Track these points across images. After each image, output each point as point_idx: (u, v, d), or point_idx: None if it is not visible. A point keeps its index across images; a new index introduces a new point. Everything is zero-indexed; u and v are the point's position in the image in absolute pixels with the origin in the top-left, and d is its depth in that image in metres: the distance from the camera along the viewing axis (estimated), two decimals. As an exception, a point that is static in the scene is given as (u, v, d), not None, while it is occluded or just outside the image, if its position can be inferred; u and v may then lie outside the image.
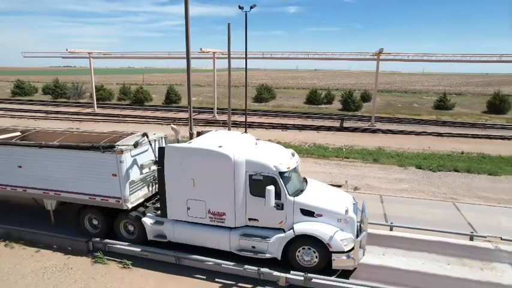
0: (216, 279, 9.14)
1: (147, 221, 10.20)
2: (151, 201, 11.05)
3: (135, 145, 10.21)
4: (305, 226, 9.02)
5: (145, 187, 10.88)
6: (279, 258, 9.25)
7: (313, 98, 52.12)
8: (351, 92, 49.67)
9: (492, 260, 9.78)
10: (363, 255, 9.27)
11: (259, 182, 9.03)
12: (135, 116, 39.00)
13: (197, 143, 9.87)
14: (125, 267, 9.63)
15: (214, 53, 38.04)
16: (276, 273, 8.87)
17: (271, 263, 9.24)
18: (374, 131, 32.33)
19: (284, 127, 32.99)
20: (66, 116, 39.99)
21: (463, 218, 12.79)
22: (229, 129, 24.18)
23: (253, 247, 9.38)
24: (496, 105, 46.88)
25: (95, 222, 10.86)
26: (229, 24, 22.51)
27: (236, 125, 31.90)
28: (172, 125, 11.77)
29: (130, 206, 10.16)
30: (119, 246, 10.26)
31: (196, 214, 9.62)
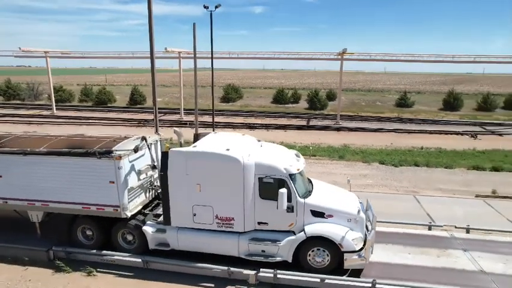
0: (186, 282, 9.01)
1: (148, 229, 9.65)
2: (148, 208, 10.48)
3: (136, 150, 9.64)
4: (316, 227, 8.94)
5: (143, 194, 10.32)
6: (290, 260, 9.09)
7: (280, 98, 52.75)
8: (317, 92, 50.81)
9: (448, 247, 10.40)
10: (371, 253, 9.28)
11: (269, 185, 8.86)
12: (99, 118, 37.59)
13: (202, 146, 9.41)
14: (89, 275, 9.27)
15: (179, 52, 37.48)
16: (246, 271, 8.91)
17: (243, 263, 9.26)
18: (339, 129, 33.24)
19: (251, 127, 33.14)
20: (22, 118, 37.81)
21: (422, 210, 13.49)
22: (196, 130, 23.93)
23: (263, 251, 9.17)
24: (450, 102, 49.83)
25: (89, 233, 10.11)
26: (194, 24, 22.31)
27: (203, 125, 31.62)
28: (175, 128, 11.10)
29: (129, 214, 9.54)
30: (83, 253, 9.87)
31: (203, 220, 9.24)
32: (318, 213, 9.03)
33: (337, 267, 8.95)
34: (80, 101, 53.79)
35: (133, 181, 9.69)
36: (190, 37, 22.45)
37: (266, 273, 8.85)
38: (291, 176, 8.91)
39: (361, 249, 8.82)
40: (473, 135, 30.97)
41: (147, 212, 10.28)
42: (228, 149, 9.02)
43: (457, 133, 31.82)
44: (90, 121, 35.96)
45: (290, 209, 8.83)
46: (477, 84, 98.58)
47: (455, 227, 11.41)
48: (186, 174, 8.99)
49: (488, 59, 38.68)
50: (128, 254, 9.67)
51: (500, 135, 32.02)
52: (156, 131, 15.33)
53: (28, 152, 9.58)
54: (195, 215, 9.23)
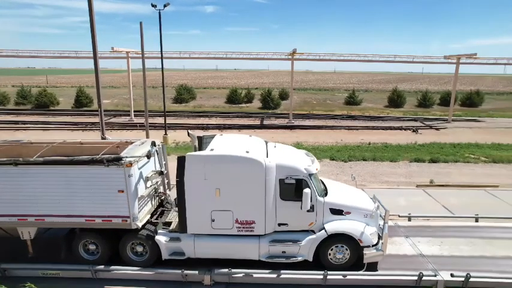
0: (139, 289, 8.72)
1: (162, 238, 9.08)
2: (154, 217, 9.81)
3: (149, 156, 9.12)
4: (337, 225, 9.03)
5: (149, 202, 9.68)
6: (311, 259, 9.09)
7: (233, 98, 52.81)
8: (270, 91, 51.57)
9: (392, 235, 11.00)
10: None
11: (291, 186, 8.79)
12: (40, 122, 34.98)
13: (220, 149, 9.03)
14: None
15: (127, 52, 36.10)
16: (200, 273, 8.81)
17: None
18: (292, 128, 34.00)
19: (205, 127, 32.82)
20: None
21: (370, 202, 14.18)
22: (147, 132, 23.20)
23: (284, 252, 9.11)
24: (394, 100, 53.10)
25: (92, 247, 9.28)
26: (141, 23, 21.58)
27: (155, 127, 30.76)
28: (189, 131, 10.50)
29: (140, 224, 8.88)
30: (21, 268, 9.09)
31: (222, 225, 8.92)
32: (336, 211, 9.15)
33: (356, 262, 9.14)
34: (16, 103, 49.55)
35: (142, 189, 9.06)
36: (139, 36, 21.70)
37: (221, 274, 8.80)
38: (311, 175, 8.95)
39: (377, 243, 9.12)
40: (415, 130, 33.26)
41: (155, 221, 9.63)
42: (247, 151, 8.82)
43: (400, 128, 33.98)
44: (29, 126, 33.35)
45: (311, 209, 8.82)
46: (417, 83, 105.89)
47: (399, 216, 12.13)
48: (205, 179, 8.63)
49: (425, 59, 41.75)
50: (74, 265, 9.08)
51: (437, 129, 34.69)
52: (103, 134, 14.63)
53: (21, 162, 8.48)
54: (213, 220, 8.89)
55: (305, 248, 9.06)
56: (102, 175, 8.48)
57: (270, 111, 46.02)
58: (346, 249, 9.18)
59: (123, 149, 9.12)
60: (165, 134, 25.50)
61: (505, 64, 42.59)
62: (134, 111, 38.00)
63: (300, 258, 9.10)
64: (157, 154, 9.96)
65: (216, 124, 34.48)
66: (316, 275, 8.78)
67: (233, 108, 48.90)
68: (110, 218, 8.72)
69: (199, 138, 10.43)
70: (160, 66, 25.80)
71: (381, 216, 9.70)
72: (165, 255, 9.12)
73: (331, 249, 9.18)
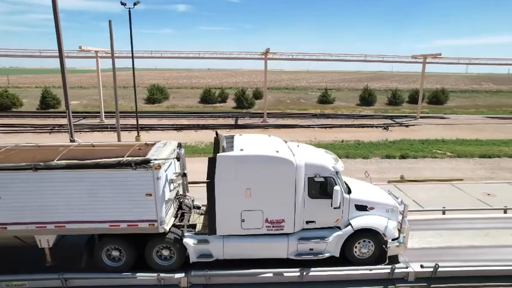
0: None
1: (189, 241, 8.92)
2: (176, 220, 9.56)
3: (178, 158, 9.04)
4: (362, 220, 9.30)
5: (172, 204, 9.44)
6: (337, 255, 9.30)
7: (207, 97, 52.41)
8: (244, 90, 51.58)
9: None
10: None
11: (319, 184, 8.95)
12: (2, 125, 33.25)
13: (250, 149, 8.97)
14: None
15: (97, 51, 34.96)
16: (177, 275, 8.68)
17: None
18: (267, 127, 34.16)
19: (179, 128, 32.37)
20: None
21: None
22: (118, 134, 22.60)
23: (311, 249, 9.22)
24: (366, 98, 54.50)
25: (116, 253, 8.95)
26: (110, 21, 20.97)
27: (127, 128, 30.01)
28: (217, 132, 10.27)
29: (167, 228, 8.69)
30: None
31: (252, 225, 8.92)
32: (361, 207, 9.41)
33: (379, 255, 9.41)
34: (-27, 105, 46.89)
35: (167, 192, 8.83)
36: (109, 35, 21.07)
37: (198, 276, 8.71)
38: (337, 173, 9.15)
39: (399, 236, 9.48)
40: (385, 127, 34.28)
41: (180, 224, 9.41)
42: (277, 151, 8.88)
43: (372, 126, 34.92)
44: (-8, 129, 31.64)
45: (338, 206, 8.99)
46: (387, 82, 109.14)
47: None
48: (236, 179, 8.57)
49: (394, 59, 43.17)
50: (42, 274, 8.65)
51: (407, 126, 35.92)
52: (71, 136, 14.09)
53: (42, 167, 8.04)
54: (243, 221, 8.86)
55: (332, 244, 9.25)
56: (129, 178, 8.19)
57: (244, 111, 46.02)
58: (371, 244, 9.44)
59: (146, 151, 8.88)
60: (138, 135, 24.92)
61: (466, 64, 44.75)
62: (105, 113, 36.90)
63: (327, 255, 9.28)
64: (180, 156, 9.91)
65: (190, 124, 34.08)
66: (293, 272, 8.87)
67: (207, 108, 48.52)
68: (136, 222, 8.44)
69: (217, 139, 10.31)
70: (131, 66, 25.19)
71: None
72: (193, 258, 8.99)
73: (357, 244, 9.45)
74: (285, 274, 8.86)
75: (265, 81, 38.45)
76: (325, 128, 34.08)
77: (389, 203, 9.76)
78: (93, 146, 9.75)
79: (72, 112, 14.48)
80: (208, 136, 28.56)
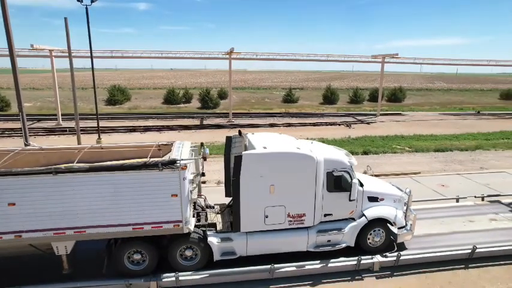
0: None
1: (213, 240, 9.03)
2: (194, 219, 9.32)
3: (205, 158, 9.20)
4: (375, 211, 9.94)
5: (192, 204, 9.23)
6: (353, 245, 9.84)
7: (171, 98, 51.40)
8: (208, 90, 51.11)
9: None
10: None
11: (337, 178, 9.37)
12: None
13: (273, 147, 9.23)
14: None
15: (51, 50, 33.08)
16: (145, 281, 8.47)
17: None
18: (233, 127, 34.07)
19: (143, 129, 31.47)
20: None
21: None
22: (78, 137, 21.60)
23: (329, 241, 9.67)
24: (328, 97, 55.97)
25: (137, 257, 8.75)
26: (66, 19, 19.94)
27: (87, 131, 28.72)
28: (239, 130, 10.06)
29: (192, 228, 8.67)
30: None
31: (275, 221, 9.19)
32: (373, 199, 10.06)
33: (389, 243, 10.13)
34: None
35: (190, 192, 8.72)
36: (64, 33, 20.03)
37: (168, 278, 8.55)
38: (351, 167, 9.61)
39: (406, 224, 10.19)
40: (348, 124, 35.36)
41: (201, 223, 9.46)
42: (298, 148, 9.27)
43: (335, 124, 35.89)
44: None
45: (355, 198, 9.53)
46: (348, 81, 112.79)
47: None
48: (260, 177, 8.77)
49: (355, 58, 44.57)
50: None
51: (368, 123, 37.29)
52: (26, 140, 13.24)
53: (62, 170, 7.71)
54: (267, 216, 9.09)
55: (348, 235, 9.77)
56: (154, 180, 8.07)
57: (209, 111, 45.63)
58: (383, 232, 10.08)
59: (166, 151, 8.81)
60: (99, 138, 23.93)
61: (421, 63, 47.20)
62: (62, 115, 35.05)
63: (343, 245, 9.76)
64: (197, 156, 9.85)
65: (154, 126, 33.22)
66: (263, 271, 8.91)
67: (171, 109, 47.54)
68: (161, 224, 8.33)
69: (229, 138, 10.63)
70: (90, 66, 24.12)
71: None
72: (217, 257, 9.08)
73: (370, 234, 10.02)
74: (255, 272, 8.88)
75: (230, 81, 38.33)
76: (290, 126, 34.55)
77: (397, 194, 10.47)
78: (102, 148, 9.51)
79: (26, 115, 13.60)
80: (174, 137, 28.01)
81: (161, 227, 8.36)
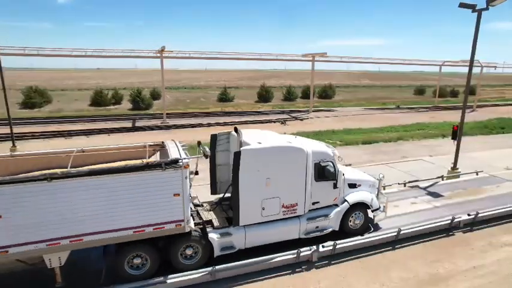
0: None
1: (214, 236, 9.24)
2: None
3: (206, 156, 9.46)
4: (355, 196, 10.94)
5: None
6: (337, 229, 10.67)
7: (99, 99, 48.17)
8: (140, 91, 48.86)
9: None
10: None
11: (323, 168, 10.10)
12: None
13: (267, 142, 9.64)
14: None
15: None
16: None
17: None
18: (167, 128, 32.96)
19: (68, 134, 28.90)
20: None
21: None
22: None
23: (317, 227, 10.38)
24: (263, 95, 57.07)
25: (137, 261, 8.54)
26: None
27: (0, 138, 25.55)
28: (236, 127, 10.11)
29: (193, 226, 8.76)
30: None
31: (271, 212, 9.62)
32: (352, 185, 11.01)
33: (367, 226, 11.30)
34: None
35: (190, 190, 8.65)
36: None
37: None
38: (334, 158, 10.37)
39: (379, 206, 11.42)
40: (283, 121, 36.34)
41: (198, 221, 9.41)
42: (290, 142, 9.94)
43: (270, 121, 36.63)
44: None
45: (336, 185, 10.36)
46: (281, 79, 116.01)
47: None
48: (258, 171, 9.10)
49: (287, 57, 45.94)
50: None
51: (302, 120, 38.73)
52: None
53: (58, 176, 7.23)
54: (263, 209, 9.46)
55: (333, 220, 10.61)
56: (156, 180, 7.92)
57: (142, 112, 43.58)
58: (362, 215, 11.11)
59: (164, 151, 9.00)
60: (13, 145, 21.37)
61: (348, 62, 50.39)
62: (-33, 121, 30.73)
63: (329, 230, 10.53)
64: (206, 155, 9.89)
65: (81, 130, 30.72)
66: (203, 273, 8.72)
67: (100, 111, 44.46)
68: (163, 224, 8.22)
69: (214, 137, 10.86)
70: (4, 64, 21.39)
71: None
72: (217, 252, 9.27)
73: (352, 217, 10.97)
74: (195, 275, 8.68)
75: (163, 81, 36.98)
76: (226, 125, 34.46)
77: (371, 180, 11.59)
78: (83, 152, 9.08)
79: None
80: (103, 141, 26.18)
81: (163, 227, 8.26)
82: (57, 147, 22.44)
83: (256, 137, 9.97)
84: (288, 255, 9.53)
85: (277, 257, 9.42)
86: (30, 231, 7.30)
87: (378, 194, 11.60)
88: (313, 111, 44.31)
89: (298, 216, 10.07)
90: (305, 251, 9.69)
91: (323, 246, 9.96)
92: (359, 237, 10.56)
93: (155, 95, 52.55)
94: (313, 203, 10.30)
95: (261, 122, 36.35)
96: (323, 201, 10.50)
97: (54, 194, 7.31)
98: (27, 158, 8.62)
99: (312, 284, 8.94)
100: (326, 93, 63.58)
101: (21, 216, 7.18)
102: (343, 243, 10.18)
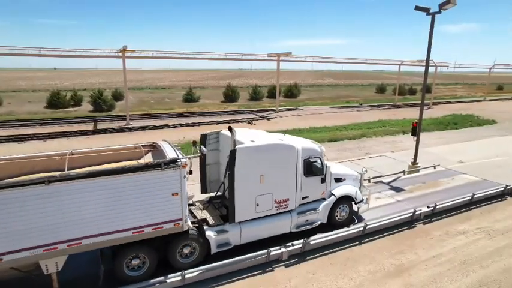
0: None
1: (211, 233, 9.41)
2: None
3: (204, 155, 9.60)
4: (341, 190, 11.48)
5: None
6: (325, 221, 11.17)
7: (56, 101, 45.72)
8: (101, 92, 46.87)
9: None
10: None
11: (312, 164, 10.57)
12: None
13: (259, 140, 9.91)
14: None
15: None
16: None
17: None
18: (131, 130, 31.95)
19: (21, 139, 27.14)
20: None
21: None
22: None
23: (307, 220, 10.82)
24: (229, 95, 56.83)
25: (136, 262, 8.52)
26: None
27: None
28: (229, 126, 10.09)
29: (191, 225, 8.94)
30: None
31: (264, 208, 9.91)
32: (338, 180, 11.53)
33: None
34: None
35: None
36: None
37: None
38: (321, 154, 10.87)
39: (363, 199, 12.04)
40: (250, 121, 36.37)
41: (194, 220, 9.61)
42: (281, 139, 10.29)
43: (237, 121, 36.53)
44: None
45: (324, 180, 10.92)
46: (247, 79, 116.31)
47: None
48: (252, 168, 9.38)
49: (252, 57, 46.05)
50: None
51: (268, 119, 38.97)
52: None
53: (57, 179, 7.09)
54: (257, 205, 9.74)
55: (321, 213, 11.09)
56: (154, 180, 7.95)
57: (104, 114, 41.88)
58: (347, 208, 11.69)
59: (156, 152, 9.13)
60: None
61: (312, 61, 51.33)
62: None
63: (318, 223, 11.00)
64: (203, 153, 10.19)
65: (37, 134, 28.96)
66: (175, 277, 8.55)
67: (57, 114, 42.19)
68: (161, 224, 8.28)
69: (203, 136, 11.10)
70: None
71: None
72: (214, 249, 9.42)
73: (338, 210, 11.49)
74: (168, 280, 8.47)
75: (125, 81, 35.75)
76: (193, 126, 33.99)
77: (354, 174, 12.16)
78: (72, 154, 8.89)
79: None
80: (62, 145, 24.89)
81: (162, 227, 8.31)
82: (10, 152, 21.07)
83: (248, 136, 10.28)
84: (258, 256, 9.53)
85: (247, 258, 9.39)
86: (26, 237, 7.09)
87: (360, 187, 12.19)
88: (279, 110, 44.74)
89: (289, 211, 10.48)
90: (275, 251, 9.74)
91: (292, 245, 10.06)
92: (328, 233, 10.77)
93: (117, 96, 50.77)
94: (303, 198, 10.75)
95: (228, 122, 36.18)
96: (312, 196, 10.96)
97: (51, 197, 7.16)
98: (13, 162, 8.30)
99: (283, 282, 9.00)
100: (291, 92, 64.46)
101: (15, 223, 6.96)
102: (312, 240, 10.33)
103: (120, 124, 34.38)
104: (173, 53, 38.84)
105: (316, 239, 10.44)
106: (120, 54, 33.97)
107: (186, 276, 8.56)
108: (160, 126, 33.19)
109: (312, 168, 10.66)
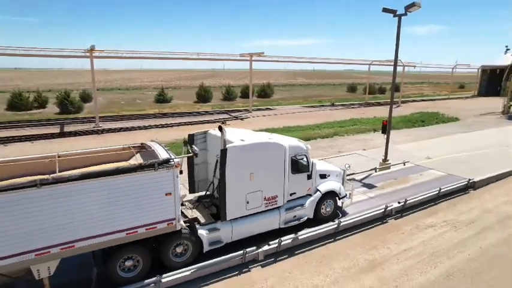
0: None
1: (203, 231, 9.52)
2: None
3: (196, 154, 9.54)
4: (326, 186, 11.86)
5: None
6: (312, 216, 11.49)
7: (18, 103, 43.52)
8: (68, 93, 45.06)
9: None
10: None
11: (298, 162, 10.93)
12: None
13: (251, 139, 10.18)
14: None
15: None
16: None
17: None
18: (101, 132, 30.95)
19: (-18, 143, 25.64)
20: None
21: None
22: None
23: (295, 216, 11.13)
24: (202, 95, 56.33)
25: (129, 263, 8.45)
26: None
27: None
28: (220, 125, 10.04)
29: (183, 224, 9.00)
30: None
31: (254, 205, 10.10)
32: (323, 176, 11.91)
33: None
34: None
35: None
36: None
37: None
38: (307, 151, 11.17)
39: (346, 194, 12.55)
40: (223, 121, 36.16)
41: (187, 219, 9.58)
42: (270, 138, 10.62)
43: (210, 121, 36.25)
44: None
45: (310, 177, 11.28)
46: (220, 79, 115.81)
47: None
48: (242, 166, 9.52)
49: (224, 57, 45.80)
50: None
51: (242, 119, 38.93)
52: None
53: (49, 182, 6.95)
54: (248, 202, 9.92)
55: (308, 209, 11.43)
56: (148, 181, 7.96)
57: (71, 116, 40.27)
58: (332, 203, 12.10)
59: (149, 152, 9.07)
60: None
61: (284, 61, 51.81)
62: None
63: (305, 218, 11.34)
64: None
65: (-2, 137, 27.45)
66: (150, 283, 8.37)
67: (20, 116, 40.16)
68: (155, 224, 8.29)
69: (192, 136, 11.20)
70: None
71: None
72: (206, 248, 9.50)
73: (323, 205, 11.87)
74: (143, 285, 8.27)
75: (93, 82, 34.57)
76: (165, 127, 33.39)
77: (337, 170, 12.56)
78: (59, 157, 8.67)
79: None
80: (24, 150, 23.69)
81: (155, 227, 8.33)
82: (-31, 158, 19.80)
83: (237, 135, 10.50)
84: (234, 257, 9.48)
85: (223, 260, 9.31)
86: (15, 243, 6.88)
87: (343, 183, 12.59)
88: (253, 110, 44.79)
89: (278, 208, 10.74)
90: (251, 251, 9.72)
91: (268, 244, 10.07)
92: (303, 231, 10.87)
93: (86, 98, 48.96)
94: (291, 194, 11.04)
95: (202, 122, 35.84)
96: (299, 192, 11.28)
97: (43, 200, 7.02)
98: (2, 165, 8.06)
99: (259, 282, 9.00)
100: (265, 92, 64.76)
101: (4, 228, 6.75)
102: (287, 239, 10.41)
103: (89, 126, 33.22)
104: (145, 53, 38.02)
105: (291, 237, 10.51)
106: (88, 54, 32.83)
107: (162, 280, 8.40)
108: (132, 128, 32.35)
109: (299, 166, 11.01)
